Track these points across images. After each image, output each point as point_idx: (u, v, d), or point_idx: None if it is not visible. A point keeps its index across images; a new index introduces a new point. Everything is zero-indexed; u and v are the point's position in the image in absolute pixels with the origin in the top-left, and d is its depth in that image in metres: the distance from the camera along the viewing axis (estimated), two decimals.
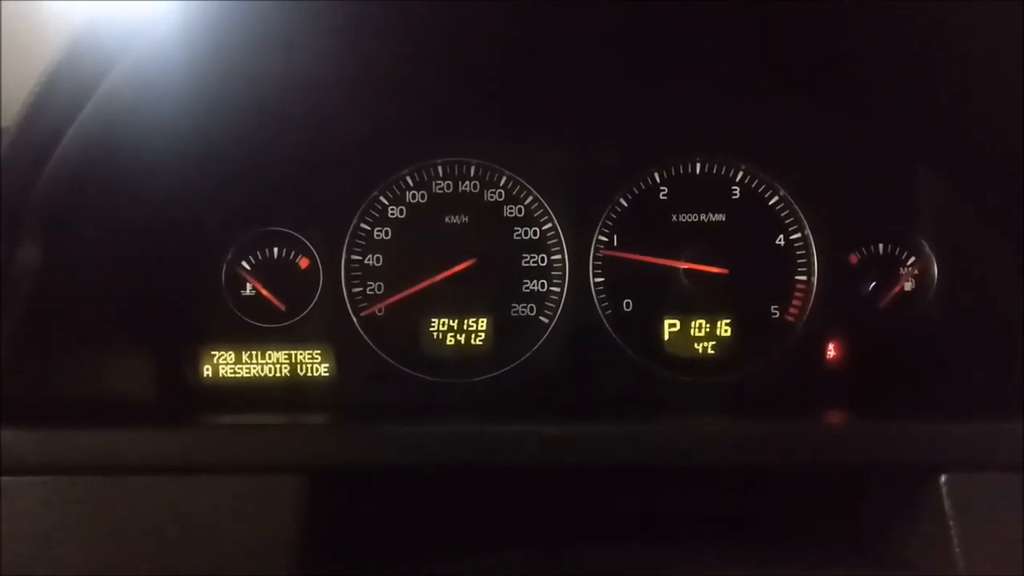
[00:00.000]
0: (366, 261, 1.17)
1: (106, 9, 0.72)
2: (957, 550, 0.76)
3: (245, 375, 1.15)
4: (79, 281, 0.91)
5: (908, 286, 1.17)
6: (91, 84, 0.75)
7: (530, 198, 1.17)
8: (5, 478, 0.77)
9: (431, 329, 1.16)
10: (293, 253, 1.16)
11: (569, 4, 0.90)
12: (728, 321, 1.17)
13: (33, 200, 0.80)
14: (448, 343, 1.16)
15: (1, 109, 0.93)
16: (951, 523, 0.76)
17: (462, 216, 1.17)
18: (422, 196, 1.17)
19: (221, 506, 0.77)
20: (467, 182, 1.18)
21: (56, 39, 0.74)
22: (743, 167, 1.17)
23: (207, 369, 1.15)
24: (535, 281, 1.17)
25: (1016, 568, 0.75)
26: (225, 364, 1.15)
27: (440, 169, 1.17)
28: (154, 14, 0.74)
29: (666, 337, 1.17)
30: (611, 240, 1.17)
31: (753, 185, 1.17)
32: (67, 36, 0.73)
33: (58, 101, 0.76)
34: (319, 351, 1.16)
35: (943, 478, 0.78)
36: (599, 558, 0.86)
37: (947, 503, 0.77)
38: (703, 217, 1.17)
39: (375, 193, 1.16)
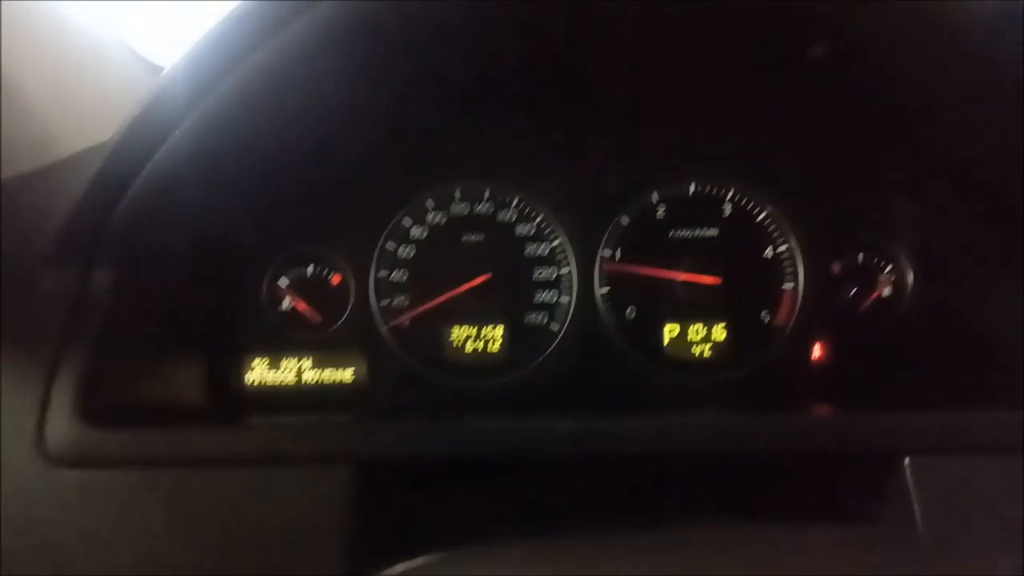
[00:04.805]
0: (392, 277, 1.23)
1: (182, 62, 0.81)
2: (920, 527, 0.83)
3: (284, 381, 1.22)
4: (146, 300, 0.98)
5: (886, 292, 1.23)
6: (166, 130, 0.83)
7: (540, 217, 1.23)
8: (84, 472, 0.84)
9: (452, 338, 1.22)
10: (326, 271, 1.23)
11: (576, 36, 0.96)
12: (723, 326, 1.22)
13: (111, 229, 0.88)
14: (468, 350, 1.22)
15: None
16: (914, 501, 0.84)
17: (478, 235, 1.23)
18: (442, 217, 1.24)
19: (272, 499, 0.83)
20: (482, 204, 1.24)
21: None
22: (733, 187, 1.23)
23: (250, 376, 1.22)
24: (546, 292, 1.23)
25: (977, 544, 0.82)
26: (266, 371, 1.22)
27: (458, 192, 1.24)
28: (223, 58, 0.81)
29: (666, 341, 1.22)
30: (615, 254, 1.23)
31: (743, 203, 1.23)
32: (148, 90, 0.82)
33: (138, 144, 0.84)
34: (351, 359, 1.23)
35: (907, 460, 0.85)
36: (601, 543, 0.89)
37: (910, 483, 0.85)
38: (698, 232, 1.23)
39: (400, 215, 1.23)
